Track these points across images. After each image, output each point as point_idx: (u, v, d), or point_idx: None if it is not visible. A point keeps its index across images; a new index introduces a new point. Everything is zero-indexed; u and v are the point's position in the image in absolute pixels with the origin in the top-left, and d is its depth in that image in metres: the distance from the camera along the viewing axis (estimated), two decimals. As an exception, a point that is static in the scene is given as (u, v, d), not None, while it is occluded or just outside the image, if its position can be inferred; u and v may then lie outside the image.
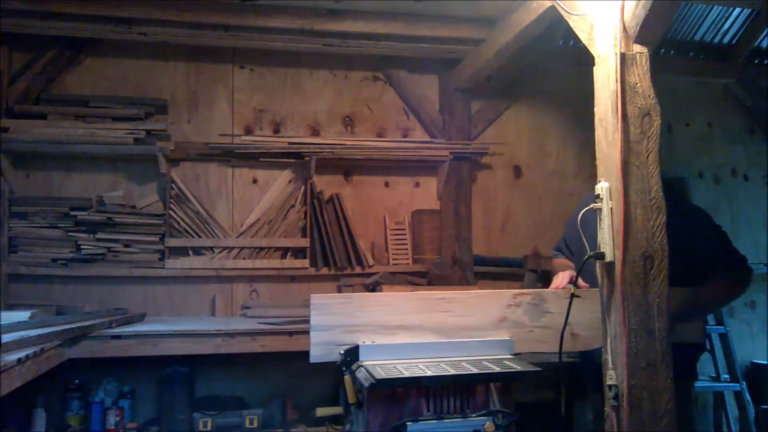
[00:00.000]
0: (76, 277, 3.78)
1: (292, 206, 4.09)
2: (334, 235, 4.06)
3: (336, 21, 3.69)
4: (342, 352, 2.36)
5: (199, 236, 3.93)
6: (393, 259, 4.22)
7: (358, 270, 4.08)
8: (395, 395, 2.17)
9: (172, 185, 3.93)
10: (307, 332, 3.34)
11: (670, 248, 2.35)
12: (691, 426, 2.73)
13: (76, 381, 3.52)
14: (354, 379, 2.27)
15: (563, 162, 4.62)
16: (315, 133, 4.24)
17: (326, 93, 4.29)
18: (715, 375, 4.54)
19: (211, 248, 3.97)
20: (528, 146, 4.58)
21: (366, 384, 2.12)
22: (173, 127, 3.98)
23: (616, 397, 2.12)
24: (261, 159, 4.04)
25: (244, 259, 3.98)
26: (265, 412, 3.61)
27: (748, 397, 4.45)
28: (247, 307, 3.91)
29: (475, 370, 2.24)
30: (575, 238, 2.44)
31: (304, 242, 4.05)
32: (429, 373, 2.20)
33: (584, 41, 2.38)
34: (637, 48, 2.20)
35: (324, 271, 4.06)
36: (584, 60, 2.47)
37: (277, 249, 4.06)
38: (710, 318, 4.40)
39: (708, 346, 4.42)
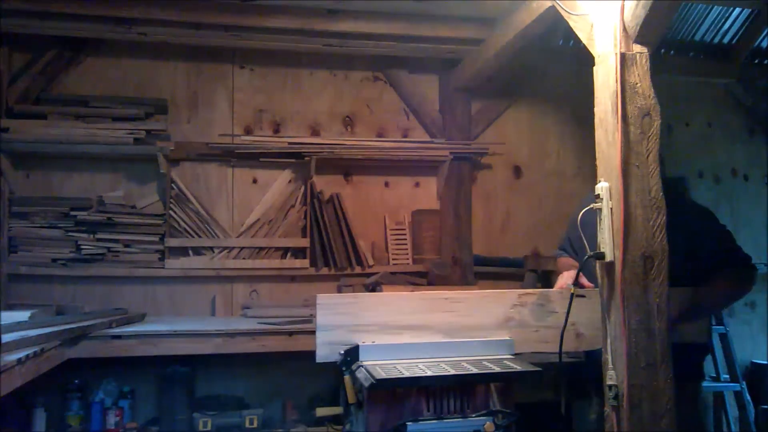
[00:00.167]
0: (76, 277, 3.78)
1: (292, 206, 4.09)
2: (334, 235, 4.06)
3: (336, 21, 3.69)
4: (342, 352, 2.36)
5: (199, 236, 3.93)
6: (393, 259, 4.22)
7: (358, 270, 4.08)
8: (395, 395, 2.17)
9: (172, 185, 3.93)
10: (307, 332, 3.41)
11: (675, 248, 2.35)
12: (701, 427, 2.73)
13: (76, 381, 3.53)
14: (354, 379, 2.27)
15: (563, 162, 4.62)
16: (315, 133, 4.24)
17: (326, 93, 4.29)
18: (715, 375, 4.53)
19: (211, 248, 3.97)
20: (528, 146, 4.58)
21: (366, 384, 2.12)
22: (173, 127, 3.98)
23: (616, 397, 2.12)
24: (261, 159, 4.04)
25: (244, 259, 3.99)
26: (265, 412, 3.61)
27: (748, 397, 4.44)
28: (247, 307, 3.91)
29: (475, 370, 2.24)
30: (578, 237, 2.44)
31: (304, 242, 4.05)
32: (429, 373, 2.20)
33: (584, 41, 2.38)
34: (637, 48, 2.19)
35: (324, 271, 4.06)
36: (584, 60, 2.47)
37: (277, 249, 4.06)
38: (710, 318, 4.40)
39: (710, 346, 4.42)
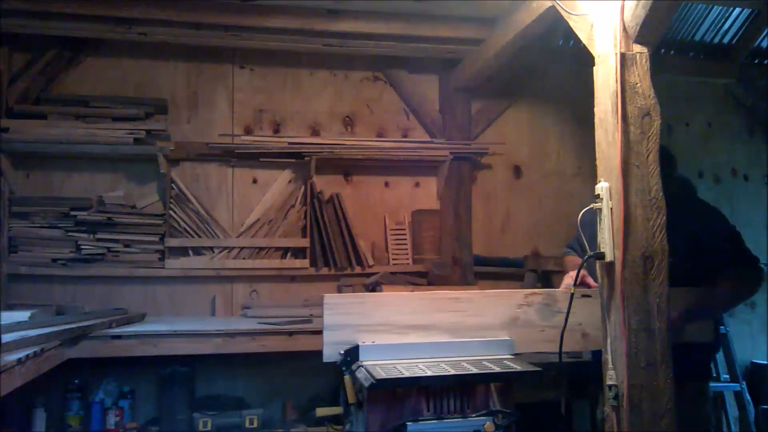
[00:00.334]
0: (76, 277, 3.78)
1: (292, 206, 4.09)
2: (334, 235, 4.06)
3: (336, 21, 3.69)
4: (342, 352, 2.36)
5: (199, 236, 3.93)
6: (393, 259, 4.22)
7: (358, 270, 4.08)
8: (395, 395, 2.17)
9: (172, 185, 3.93)
10: (307, 332, 3.42)
11: (683, 247, 2.35)
12: (707, 426, 2.74)
13: (76, 381, 3.52)
14: (354, 379, 2.27)
15: (563, 162, 4.62)
16: (315, 133, 4.24)
17: (326, 93, 4.29)
18: (715, 375, 4.53)
19: (211, 248, 3.97)
20: (528, 146, 4.58)
21: (366, 384, 2.12)
22: (173, 127, 3.98)
23: (616, 397, 2.12)
24: (261, 159, 4.04)
25: (244, 259, 3.98)
26: (265, 412, 3.61)
27: (748, 397, 4.44)
28: (247, 307, 3.91)
29: (475, 370, 2.24)
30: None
31: (304, 242, 4.05)
32: (429, 373, 2.19)
33: (584, 41, 2.38)
34: (637, 48, 2.19)
35: (324, 271, 4.06)
36: (584, 60, 2.47)
37: (277, 249, 4.06)
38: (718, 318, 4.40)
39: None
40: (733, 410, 4.51)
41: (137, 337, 3.25)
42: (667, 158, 2.67)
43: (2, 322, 2.71)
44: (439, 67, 4.39)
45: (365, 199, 4.29)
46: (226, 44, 3.94)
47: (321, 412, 2.67)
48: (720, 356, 4.53)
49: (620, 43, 2.18)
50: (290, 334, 3.42)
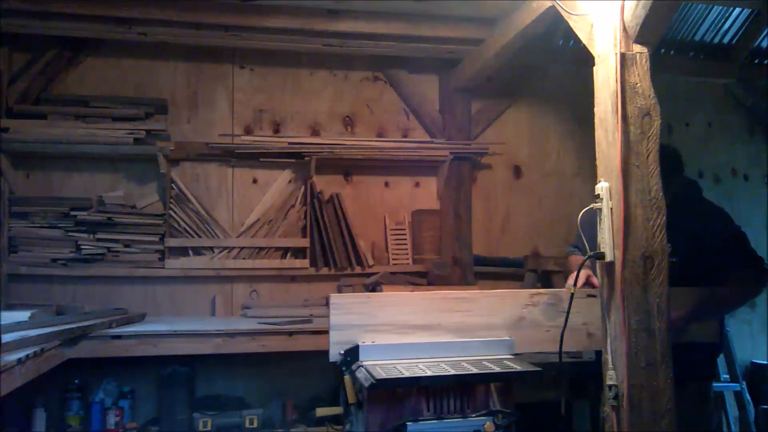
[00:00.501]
0: (76, 277, 3.78)
1: (292, 206, 4.09)
2: (334, 235, 4.06)
3: (336, 21, 3.69)
4: (342, 352, 2.36)
5: (199, 236, 3.93)
6: (393, 259, 4.22)
7: (358, 270, 4.08)
8: (395, 395, 2.17)
9: (172, 185, 3.93)
10: (307, 332, 3.42)
11: (689, 247, 2.35)
12: (711, 427, 2.74)
13: (76, 381, 3.52)
14: (354, 379, 2.28)
15: (563, 162, 4.62)
16: (315, 133, 4.24)
17: (326, 93, 4.29)
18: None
19: (211, 248, 3.97)
20: (528, 146, 4.58)
21: (366, 384, 2.13)
22: (173, 127, 3.98)
23: (616, 397, 2.12)
24: (261, 159, 4.04)
25: (244, 259, 3.98)
26: (265, 412, 3.61)
27: (748, 397, 4.45)
28: (247, 307, 3.91)
29: (475, 370, 2.24)
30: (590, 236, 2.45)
31: (304, 242, 4.05)
32: (429, 373, 2.20)
33: (584, 41, 2.38)
34: (637, 48, 2.20)
35: (324, 271, 4.06)
36: (584, 60, 2.47)
37: (277, 249, 4.05)
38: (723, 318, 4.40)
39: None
40: (733, 410, 4.51)
41: (137, 337, 3.25)
42: (674, 159, 2.68)
43: (2, 322, 2.71)
44: (439, 67, 4.39)
45: (365, 199, 4.29)
46: (226, 44, 3.94)
47: (321, 412, 2.67)
48: (720, 356, 4.53)
49: (620, 43, 2.18)
50: (290, 334, 3.42)
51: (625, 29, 2.19)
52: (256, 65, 4.17)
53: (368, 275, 4.05)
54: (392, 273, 4.09)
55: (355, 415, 2.30)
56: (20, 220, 3.73)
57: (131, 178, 3.96)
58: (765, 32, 4.49)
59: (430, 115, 4.39)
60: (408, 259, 4.25)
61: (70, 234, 3.75)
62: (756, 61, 4.68)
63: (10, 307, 3.36)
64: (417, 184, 4.39)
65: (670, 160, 2.66)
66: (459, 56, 4.13)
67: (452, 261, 4.24)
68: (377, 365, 2.27)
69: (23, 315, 3.06)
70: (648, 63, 2.20)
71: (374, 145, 4.16)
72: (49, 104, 3.82)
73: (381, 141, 4.24)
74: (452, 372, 2.22)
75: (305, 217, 4.07)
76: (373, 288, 3.88)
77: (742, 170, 5.00)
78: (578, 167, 4.59)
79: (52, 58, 3.86)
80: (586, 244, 2.26)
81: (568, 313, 2.30)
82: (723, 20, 4.46)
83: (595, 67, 2.29)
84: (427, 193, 4.39)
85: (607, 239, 2.15)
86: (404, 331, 2.44)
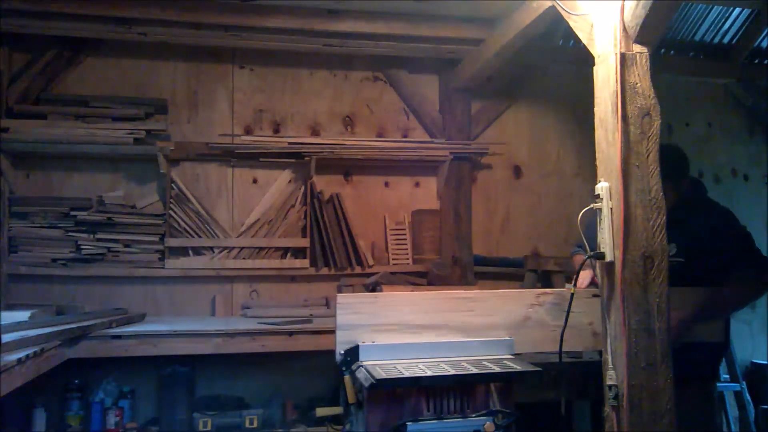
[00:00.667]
0: (76, 277, 3.78)
1: (292, 206, 4.09)
2: (334, 235, 4.06)
3: (336, 21, 3.69)
4: (342, 352, 2.36)
5: (199, 236, 3.93)
6: (393, 259, 4.22)
7: (358, 270, 4.08)
8: (395, 395, 2.17)
9: (172, 185, 3.93)
10: (307, 332, 3.41)
11: (694, 247, 2.35)
12: (714, 427, 2.74)
13: (76, 381, 3.52)
14: (354, 379, 2.28)
15: (563, 162, 4.62)
16: (315, 133, 4.24)
17: (326, 93, 4.29)
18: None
19: (211, 248, 3.97)
20: (528, 146, 4.58)
21: (366, 384, 2.12)
22: (173, 127, 3.99)
23: (616, 397, 2.12)
24: (261, 159, 4.04)
25: (244, 259, 3.98)
26: (265, 412, 3.60)
27: (748, 397, 4.45)
28: (247, 307, 3.91)
29: (475, 370, 2.24)
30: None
31: (304, 242, 4.05)
32: (429, 373, 2.20)
33: (584, 41, 2.38)
34: (637, 48, 2.20)
35: (324, 271, 4.06)
36: (584, 60, 2.47)
37: (277, 249, 4.06)
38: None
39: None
40: (733, 410, 4.51)
41: (137, 337, 3.25)
42: (680, 159, 2.68)
43: (2, 322, 2.71)
44: (439, 67, 4.39)
45: (365, 199, 4.29)
46: (226, 44, 3.94)
47: (321, 412, 2.67)
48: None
49: (620, 43, 2.18)
50: (290, 334, 3.42)
51: (625, 29, 2.19)
52: (256, 65, 4.17)
53: (368, 275, 4.05)
54: (392, 273, 4.08)
55: (355, 415, 2.30)
56: (20, 220, 3.73)
57: (131, 178, 3.96)
58: (765, 32, 4.49)
59: (430, 115, 4.39)
60: (408, 259, 4.25)
61: (70, 234, 3.75)
62: (756, 61, 4.68)
63: (10, 307, 3.36)
64: (417, 184, 4.40)
65: (677, 161, 2.67)
66: (459, 56, 4.13)
67: (452, 261, 4.24)
68: (377, 365, 2.27)
69: (23, 315, 3.06)
70: (648, 63, 2.20)
71: (374, 145, 4.16)
72: (49, 104, 3.82)
73: (381, 141, 4.23)
74: (452, 372, 2.22)
75: (305, 217, 4.07)
76: (373, 288, 3.87)
77: (742, 170, 5.00)
78: (578, 167, 4.59)
79: (52, 58, 3.86)
80: (586, 244, 2.25)
81: (568, 313, 2.30)
82: (723, 20, 4.46)
83: (595, 67, 2.29)
84: (427, 193, 4.39)
85: (607, 239, 2.15)
86: (411, 331, 2.45)
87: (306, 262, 4.03)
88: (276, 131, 4.19)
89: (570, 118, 4.58)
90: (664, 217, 2.15)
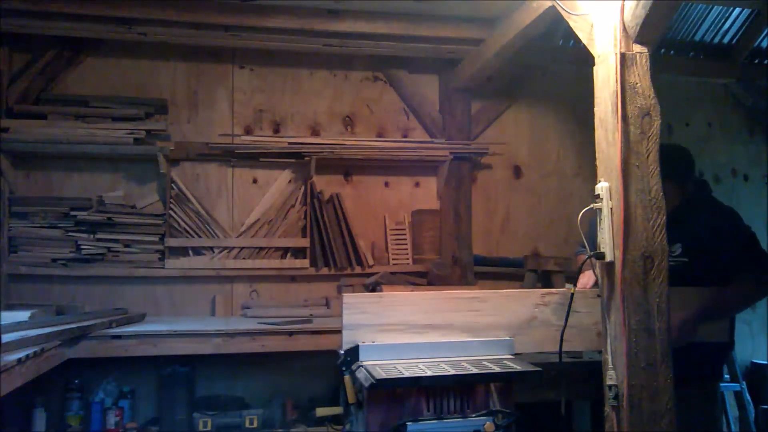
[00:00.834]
0: (76, 277, 3.77)
1: (292, 206, 4.09)
2: (334, 235, 4.06)
3: (336, 21, 3.69)
4: (342, 352, 2.36)
5: (199, 236, 3.93)
6: (393, 259, 4.22)
7: (358, 270, 4.07)
8: (395, 395, 2.17)
9: (172, 185, 3.93)
10: (307, 332, 3.41)
11: (700, 247, 2.35)
12: (717, 428, 2.74)
13: (76, 381, 3.52)
14: (354, 379, 2.28)
15: (563, 162, 4.62)
16: (315, 133, 4.24)
17: (326, 93, 4.29)
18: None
19: (211, 248, 3.97)
20: (528, 146, 4.58)
21: (366, 384, 2.13)
22: (173, 127, 3.99)
23: (616, 397, 2.12)
24: (261, 159, 4.04)
25: (244, 259, 3.98)
26: (265, 412, 3.61)
27: (748, 397, 4.44)
28: (247, 307, 3.91)
29: (475, 370, 2.24)
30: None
31: (304, 242, 4.05)
32: (429, 373, 2.20)
33: (584, 41, 2.38)
34: (637, 48, 2.20)
35: (324, 271, 4.06)
36: (584, 60, 2.47)
37: (277, 249, 4.05)
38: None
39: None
40: (733, 410, 4.51)
41: (137, 337, 3.25)
42: (687, 159, 2.68)
43: (2, 322, 2.71)
44: (439, 67, 4.39)
45: (365, 199, 4.29)
46: (226, 44, 3.94)
47: (321, 412, 2.67)
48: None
49: (620, 43, 2.18)
50: (290, 334, 3.42)
51: (625, 29, 2.19)
52: (256, 65, 4.17)
53: (368, 275, 4.05)
54: (392, 273, 4.09)
55: (355, 415, 2.30)
56: (20, 220, 3.73)
57: (131, 178, 3.96)
58: (765, 32, 4.49)
59: (430, 115, 4.39)
60: (408, 259, 4.25)
61: (70, 234, 3.75)
62: (756, 61, 4.68)
63: (10, 307, 3.36)
64: (417, 184, 4.39)
65: (683, 161, 2.67)
66: (459, 56, 4.13)
67: (452, 261, 4.24)
68: (377, 365, 2.27)
69: (23, 315, 3.06)
70: (648, 63, 2.20)
71: (374, 145, 4.16)
72: (49, 104, 3.82)
73: (381, 141, 4.23)
74: (452, 372, 2.22)
75: (305, 217, 4.07)
76: (373, 288, 3.87)
77: (742, 170, 5.00)
78: (578, 167, 4.59)
79: (52, 58, 3.86)
80: (586, 244, 2.26)
81: (568, 312, 2.30)
82: (723, 20, 4.46)
83: (595, 67, 2.29)
84: (427, 193, 4.39)
85: (607, 239, 2.15)
86: (417, 331, 2.46)
87: (306, 262, 4.03)
88: (276, 131, 4.19)
89: (570, 118, 4.58)
90: (664, 217, 2.15)
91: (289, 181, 4.15)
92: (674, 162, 2.46)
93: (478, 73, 4.06)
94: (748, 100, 4.96)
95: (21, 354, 2.48)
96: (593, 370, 2.36)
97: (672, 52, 4.55)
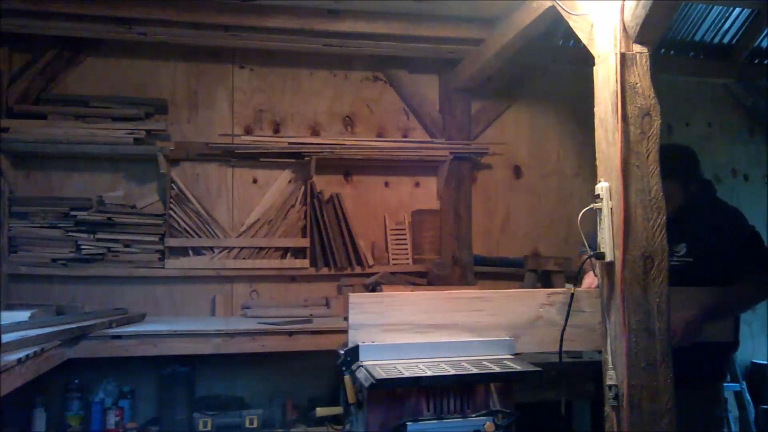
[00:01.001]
0: (76, 277, 3.77)
1: (292, 206, 4.09)
2: (334, 235, 4.06)
3: (336, 21, 3.69)
4: (342, 352, 2.36)
5: (199, 236, 3.93)
6: (393, 259, 4.22)
7: (358, 270, 4.07)
8: (395, 395, 2.17)
9: (172, 185, 3.93)
10: (307, 332, 3.41)
11: (704, 247, 2.34)
12: (720, 428, 2.74)
13: (76, 381, 3.52)
14: (354, 379, 2.28)
15: (563, 162, 4.62)
16: (315, 133, 4.24)
17: (326, 93, 4.29)
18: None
19: (211, 248, 3.97)
20: (528, 146, 4.58)
21: (366, 384, 2.13)
22: (173, 127, 3.99)
23: (616, 397, 2.12)
24: (261, 159, 4.04)
25: (244, 259, 3.98)
26: (265, 412, 3.61)
27: (748, 397, 4.44)
28: (247, 307, 3.91)
29: (475, 370, 2.25)
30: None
31: (304, 242, 4.05)
32: (429, 373, 2.20)
33: (584, 41, 2.38)
34: (637, 48, 2.20)
35: (324, 271, 4.06)
36: (584, 60, 2.47)
37: (277, 249, 4.05)
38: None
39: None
40: (733, 410, 4.51)
41: (137, 337, 3.25)
42: (692, 159, 2.69)
43: (2, 322, 2.71)
44: (439, 67, 4.39)
45: (365, 199, 4.29)
46: (226, 44, 3.94)
47: (321, 412, 2.67)
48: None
49: (620, 43, 2.18)
50: (290, 334, 3.42)
51: (625, 29, 2.19)
52: (256, 65, 4.17)
53: (368, 275, 4.05)
54: (392, 273, 4.09)
55: (355, 415, 2.30)
56: (20, 220, 3.72)
57: (131, 178, 3.96)
58: (765, 32, 4.49)
59: (430, 115, 4.39)
60: (408, 259, 4.25)
61: (70, 234, 3.75)
62: (756, 61, 4.68)
63: (10, 307, 3.35)
64: (417, 184, 4.39)
65: (688, 161, 2.67)
66: (459, 56, 4.13)
67: (452, 261, 4.24)
68: (377, 365, 2.27)
69: (23, 315, 3.06)
70: (648, 63, 2.20)
71: (374, 145, 4.16)
72: (49, 104, 3.82)
73: (381, 141, 4.23)
74: (452, 372, 2.22)
75: (305, 217, 4.07)
76: (373, 288, 3.87)
77: (742, 170, 4.99)
78: (578, 167, 4.59)
79: (52, 58, 3.86)
80: (586, 244, 2.26)
81: (568, 312, 2.31)
82: (723, 20, 4.46)
83: (595, 67, 2.29)
84: (427, 193, 4.39)
85: (607, 239, 2.15)
86: (421, 331, 2.46)
87: (306, 262, 4.03)
88: (276, 131, 4.19)
89: (570, 118, 4.58)
90: (665, 217, 2.15)
91: (289, 181, 4.15)
92: (677, 162, 2.46)
93: (478, 73, 4.06)
94: (748, 100, 4.96)
95: (21, 354, 2.48)
96: (593, 369, 2.36)
97: (672, 52, 4.55)
